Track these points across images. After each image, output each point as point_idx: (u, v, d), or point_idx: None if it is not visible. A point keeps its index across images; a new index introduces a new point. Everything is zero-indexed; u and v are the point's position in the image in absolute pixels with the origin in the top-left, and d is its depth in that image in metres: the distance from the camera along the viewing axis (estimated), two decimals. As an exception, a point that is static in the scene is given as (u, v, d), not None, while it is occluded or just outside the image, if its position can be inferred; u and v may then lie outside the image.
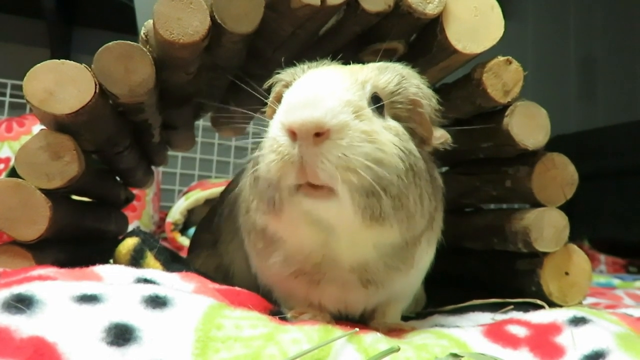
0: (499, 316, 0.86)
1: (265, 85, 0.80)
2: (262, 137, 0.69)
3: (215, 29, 0.80)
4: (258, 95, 0.78)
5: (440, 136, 0.77)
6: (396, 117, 0.73)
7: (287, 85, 0.74)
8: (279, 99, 0.73)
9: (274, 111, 0.71)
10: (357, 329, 0.62)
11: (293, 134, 0.61)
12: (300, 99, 0.63)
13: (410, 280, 0.81)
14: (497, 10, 0.89)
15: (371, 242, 0.70)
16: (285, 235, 0.72)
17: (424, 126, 0.75)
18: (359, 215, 0.64)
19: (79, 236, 1.03)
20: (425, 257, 0.81)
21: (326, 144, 0.61)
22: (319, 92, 0.63)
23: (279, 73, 0.79)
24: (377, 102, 0.70)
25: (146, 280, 0.72)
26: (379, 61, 0.77)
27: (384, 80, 0.72)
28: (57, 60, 0.79)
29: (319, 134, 0.61)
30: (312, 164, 0.61)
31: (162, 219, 2.62)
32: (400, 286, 0.78)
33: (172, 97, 1.03)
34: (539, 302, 0.91)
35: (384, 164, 0.64)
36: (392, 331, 0.75)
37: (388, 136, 0.67)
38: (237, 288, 0.79)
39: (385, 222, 0.66)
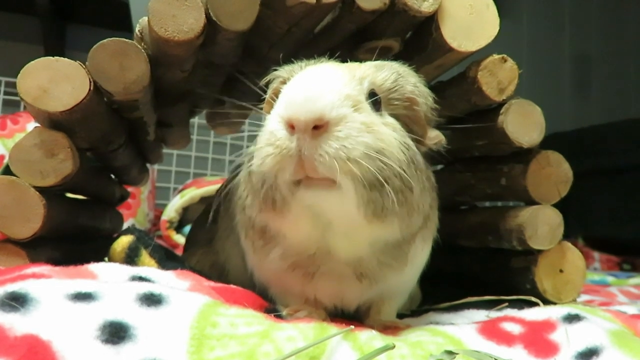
0: (493, 313, 0.87)
1: (263, 82, 0.79)
2: (258, 131, 0.69)
3: (211, 26, 0.80)
4: (257, 90, 0.78)
5: (435, 137, 0.77)
6: (393, 115, 0.73)
7: (284, 82, 0.74)
8: (276, 95, 0.73)
9: (271, 106, 0.71)
10: (352, 327, 0.62)
11: (292, 127, 0.61)
12: (299, 93, 0.63)
13: (406, 278, 0.81)
14: (492, 9, 0.89)
15: (368, 239, 0.70)
16: (288, 232, 0.71)
17: (419, 124, 0.75)
18: (362, 209, 0.64)
19: (74, 234, 1.02)
20: (420, 255, 0.81)
21: (324, 137, 0.61)
22: (318, 87, 0.63)
23: (275, 70, 0.79)
24: (374, 98, 0.70)
25: (141, 278, 0.72)
26: (375, 59, 0.77)
27: (381, 78, 0.73)
28: (51, 57, 0.78)
29: (318, 127, 0.60)
30: (311, 157, 0.61)
31: (157, 217, 2.61)
32: (394, 283, 0.78)
33: (167, 94, 1.02)
34: (533, 299, 0.91)
35: (385, 154, 0.63)
36: (387, 329, 0.75)
37: (387, 129, 0.67)
38: (232, 286, 0.79)
39: (386, 219, 0.65)
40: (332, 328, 0.61)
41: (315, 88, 0.63)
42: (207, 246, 1.06)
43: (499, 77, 0.90)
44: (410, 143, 0.70)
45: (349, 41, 0.97)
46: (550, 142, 0.97)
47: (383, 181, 0.62)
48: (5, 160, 0.81)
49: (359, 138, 0.62)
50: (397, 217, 0.66)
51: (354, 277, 0.73)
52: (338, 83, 0.65)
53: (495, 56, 0.90)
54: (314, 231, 0.68)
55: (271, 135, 0.64)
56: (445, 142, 0.77)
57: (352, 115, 0.63)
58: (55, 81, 0.77)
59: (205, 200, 2.31)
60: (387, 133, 0.66)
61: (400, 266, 0.76)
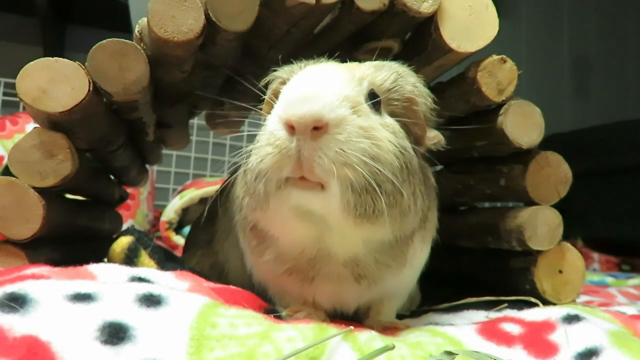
0: (493, 314, 0.87)
1: (262, 83, 0.80)
2: (258, 132, 0.69)
3: (210, 27, 0.80)
4: (256, 91, 0.78)
5: (434, 137, 0.77)
6: (392, 115, 0.73)
7: (284, 82, 0.74)
8: (276, 96, 0.73)
9: (271, 107, 0.71)
10: (351, 327, 0.62)
11: (291, 128, 0.61)
12: (299, 94, 0.63)
13: (405, 279, 0.81)
14: (492, 9, 0.90)
15: (360, 238, 0.70)
16: (276, 232, 0.72)
17: (418, 125, 0.75)
18: (346, 212, 0.64)
19: (73, 235, 1.02)
20: (419, 255, 0.81)
21: (324, 138, 0.61)
22: (318, 87, 0.63)
23: (275, 70, 0.79)
24: (373, 98, 0.70)
25: (140, 279, 0.72)
26: (375, 60, 0.77)
27: (380, 78, 0.73)
28: (51, 58, 0.78)
29: (317, 128, 0.61)
30: (310, 158, 0.61)
31: (157, 218, 2.61)
32: (393, 284, 0.78)
33: (167, 95, 1.02)
34: (532, 300, 0.91)
35: (379, 160, 0.64)
36: (386, 329, 0.75)
37: (384, 133, 0.67)
38: (231, 286, 0.79)
39: (378, 220, 0.66)
40: (332, 329, 0.61)
41: (314, 89, 0.63)
42: (207, 247, 1.06)
43: (498, 77, 0.90)
44: (408, 146, 0.70)
45: (348, 42, 0.97)
46: (549, 143, 0.97)
47: (375, 186, 0.63)
48: (5, 161, 0.81)
49: (357, 144, 0.62)
50: (389, 219, 0.67)
51: (352, 279, 0.73)
52: (337, 84, 0.65)
53: (495, 57, 0.90)
54: (309, 233, 0.68)
55: (271, 135, 0.64)
56: (444, 142, 0.77)
57: (351, 117, 0.63)
58: (55, 82, 0.77)
59: (205, 201, 2.31)
60: (384, 137, 0.66)
61: (399, 267, 0.76)
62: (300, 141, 0.61)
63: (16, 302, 0.53)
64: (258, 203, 0.68)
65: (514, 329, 0.71)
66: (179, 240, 2.35)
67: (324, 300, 0.76)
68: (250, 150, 0.68)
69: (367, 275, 0.73)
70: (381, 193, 0.64)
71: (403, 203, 0.68)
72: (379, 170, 0.63)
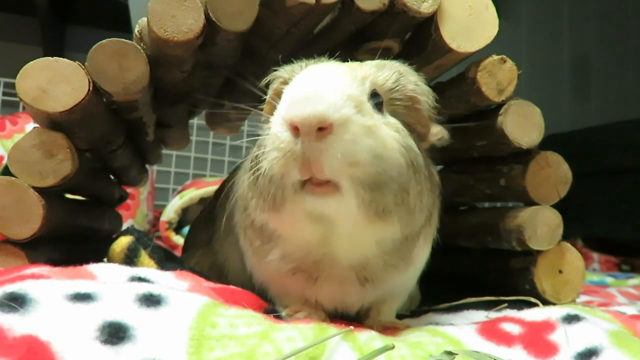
0: (493, 314, 0.87)
1: (263, 82, 0.79)
2: (259, 134, 0.69)
3: (210, 27, 0.80)
4: (256, 91, 0.78)
5: (437, 132, 0.77)
6: (394, 114, 0.73)
7: (285, 82, 0.74)
8: (277, 96, 0.73)
9: (272, 107, 0.71)
10: (351, 327, 0.62)
11: (295, 129, 0.61)
12: (301, 94, 0.62)
13: (407, 278, 0.81)
14: (492, 10, 0.90)
15: (373, 239, 0.70)
16: (285, 232, 0.71)
17: (421, 122, 0.75)
18: (363, 211, 0.64)
19: (73, 235, 1.02)
20: (422, 254, 0.81)
21: (329, 139, 0.61)
22: (321, 87, 0.63)
23: (275, 70, 0.78)
24: (376, 98, 0.70)
25: (140, 279, 0.72)
26: (375, 59, 0.77)
27: (382, 77, 0.72)
28: (51, 57, 0.78)
29: (322, 129, 0.60)
30: (316, 160, 0.61)
31: (157, 218, 2.61)
32: (397, 284, 0.78)
33: (167, 95, 1.02)
34: (532, 300, 0.91)
35: (385, 159, 0.64)
36: (386, 329, 0.75)
37: (389, 131, 0.67)
38: (231, 286, 0.79)
39: (387, 218, 0.66)
40: (332, 329, 0.61)
41: (317, 89, 0.63)
42: (206, 247, 1.06)
43: (498, 77, 0.90)
44: (412, 144, 0.70)
45: (348, 42, 0.97)
46: (549, 142, 0.97)
47: (382, 183, 0.63)
48: (5, 161, 0.81)
49: (362, 143, 0.62)
50: (397, 217, 0.67)
51: (357, 282, 0.73)
52: (340, 83, 0.65)
53: (495, 57, 0.90)
54: (316, 235, 0.68)
55: (275, 137, 0.63)
56: (447, 136, 0.77)
57: (355, 117, 0.63)
58: (55, 82, 0.77)
59: (205, 201, 2.30)
60: (389, 136, 0.66)
61: (405, 265, 0.76)
62: (305, 143, 0.61)
63: (16, 302, 0.53)
64: (271, 206, 0.67)
65: (514, 329, 0.71)
66: (179, 240, 2.35)
67: (327, 301, 0.75)
68: (257, 155, 0.68)
69: (373, 278, 0.73)
70: (389, 191, 0.64)
71: (410, 201, 0.68)
72: (386, 169, 0.63)
